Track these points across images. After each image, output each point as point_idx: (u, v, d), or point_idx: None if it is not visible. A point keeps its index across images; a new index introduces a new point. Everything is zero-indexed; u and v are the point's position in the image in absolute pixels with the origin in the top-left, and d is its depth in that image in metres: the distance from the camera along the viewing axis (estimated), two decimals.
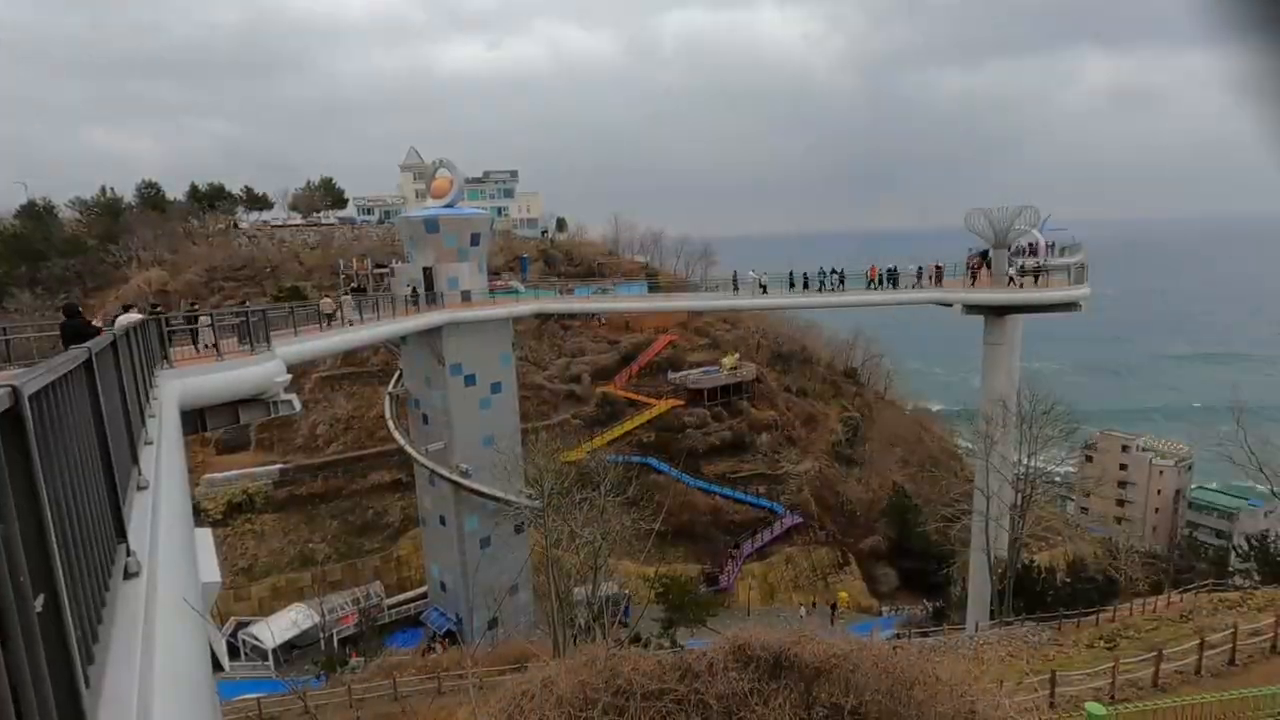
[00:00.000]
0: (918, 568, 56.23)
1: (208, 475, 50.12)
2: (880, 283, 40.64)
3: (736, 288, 42.99)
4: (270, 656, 39.68)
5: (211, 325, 18.65)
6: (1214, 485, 75.69)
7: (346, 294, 33.69)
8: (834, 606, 51.79)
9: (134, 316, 15.71)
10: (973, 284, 39.21)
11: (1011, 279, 37.45)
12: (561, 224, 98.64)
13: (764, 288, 41.89)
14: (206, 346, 18.08)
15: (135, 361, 8.10)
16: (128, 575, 3.87)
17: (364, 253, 68.38)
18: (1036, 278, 37.86)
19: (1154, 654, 17.81)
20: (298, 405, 20.32)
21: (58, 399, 2.98)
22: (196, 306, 25.81)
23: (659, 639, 32.08)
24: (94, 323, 14.89)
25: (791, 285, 41.62)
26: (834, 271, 41.36)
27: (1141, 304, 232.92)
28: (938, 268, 40.29)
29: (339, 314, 29.23)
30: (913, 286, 40.29)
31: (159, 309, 20.37)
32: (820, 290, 41.25)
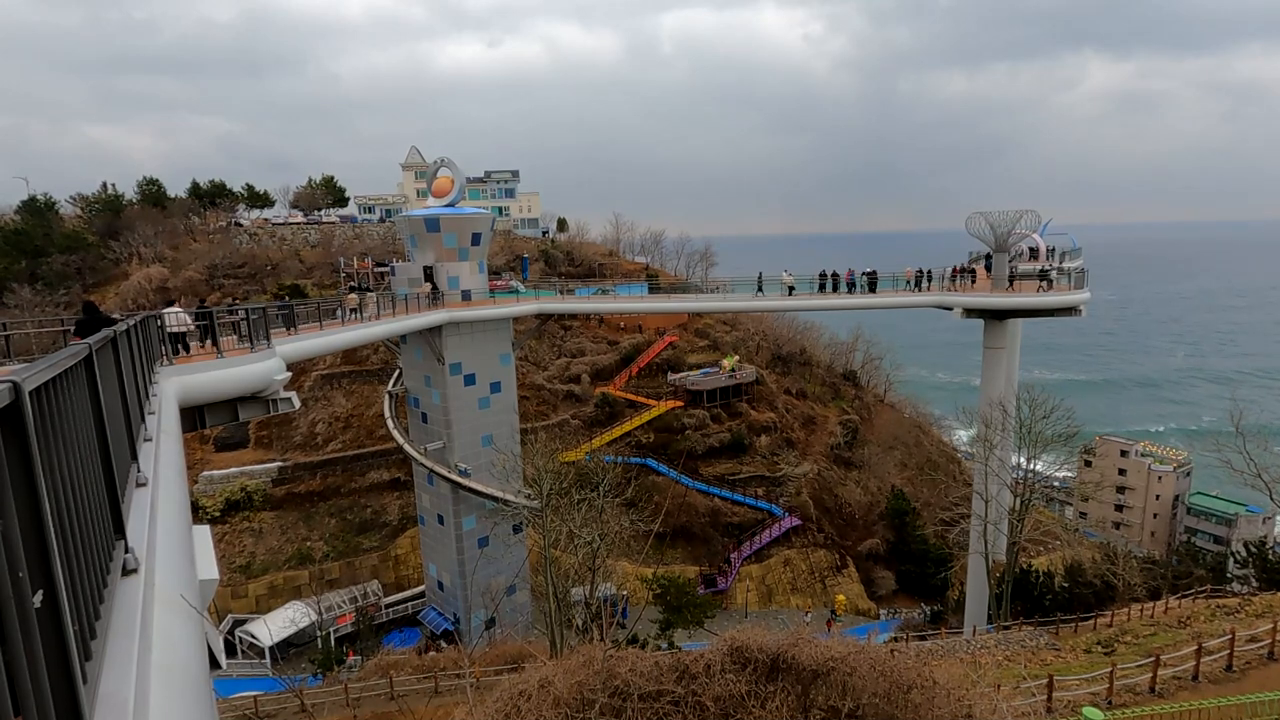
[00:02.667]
0: (916, 571, 56.25)
1: (206, 472, 50.13)
2: (854, 286, 40.97)
3: (760, 289, 42.56)
4: (267, 654, 39.69)
5: (244, 320, 19.07)
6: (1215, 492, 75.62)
7: (350, 291, 33.94)
8: (833, 612, 51.78)
9: (177, 310, 15.92)
10: (953, 286, 39.48)
11: (1048, 282, 37.48)
12: (562, 224, 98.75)
13: (791, 289, 41.85)
14: (239, 339, 18.42)
15: (135, 358, 8.10)
16: (126, 572, 3.87)
17: (364, 251, 68.46)
18: (1049, 282, 37.94)
19: (1151, 659, 17.82)
20: (296, 403, 20.34)
21: (58, 395, 2.98)
22: (236, 302, 26.40)
23: (656, 640, 32.00)
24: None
25: (821, 287, 41.67)
26: (865, 273, 41.54)
27: (1142, 309, 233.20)
28: (921, 272, 40.49)
29: (361, 309, 29.61)
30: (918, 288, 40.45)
31: (204, 303, 20.99)
32: (849, 293, 41.26)
